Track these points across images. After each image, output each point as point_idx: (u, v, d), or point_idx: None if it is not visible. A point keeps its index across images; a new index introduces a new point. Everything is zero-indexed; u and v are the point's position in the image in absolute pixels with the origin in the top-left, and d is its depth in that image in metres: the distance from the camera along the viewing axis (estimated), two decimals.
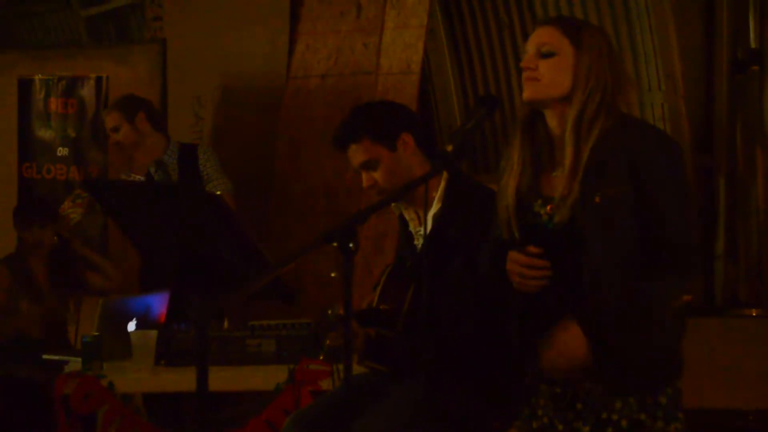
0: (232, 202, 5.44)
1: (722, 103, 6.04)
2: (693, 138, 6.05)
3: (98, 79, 6.34)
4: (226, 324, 4.47)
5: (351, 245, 2.50)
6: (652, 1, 5.92)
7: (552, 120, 2.88)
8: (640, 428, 2.81)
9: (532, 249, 2.84)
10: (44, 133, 6.39)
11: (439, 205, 3.51)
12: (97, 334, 4.41)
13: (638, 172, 2.78)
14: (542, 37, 2.87)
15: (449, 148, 2.86)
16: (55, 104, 6.39)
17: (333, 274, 2.70)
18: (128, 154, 5.63)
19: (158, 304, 4.85)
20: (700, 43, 6.08)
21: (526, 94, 2.86)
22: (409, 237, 3.67)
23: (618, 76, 2.86)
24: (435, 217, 3.51)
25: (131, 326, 4.55)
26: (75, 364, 4.44)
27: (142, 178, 5.53)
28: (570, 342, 2.79)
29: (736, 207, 6.06)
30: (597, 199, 2.77)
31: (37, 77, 6.43)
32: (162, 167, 5.62)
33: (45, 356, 4.97)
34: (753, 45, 5.91)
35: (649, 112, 6.04)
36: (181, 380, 4.24)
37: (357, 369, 3.55)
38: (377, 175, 3.60)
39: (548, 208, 2.88)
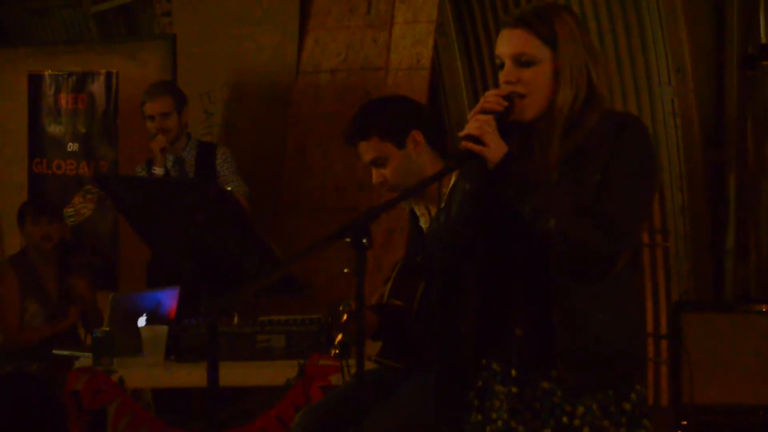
0: (247, 205, 5.42)
1: (732, 98, 6.01)
2: (703, 133, 6.02)
3: (108, 75, 6.34)
4: (236, 320, 4.47)
5: (365, 241, 2.49)
6: None
7: (540, 122, 2.74)
8: None
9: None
10: (54, 129, 6.40)
11: None
12: (107, 329, 4.41)
13: (611, 161, 2.67)
14: (517, 46, 2.71)
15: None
16: (65, 100, 6.38)
17: (345, 270, 2.69)
18: (162, 145, 5.55)
19: (168, 299, 4.85)
20: (710, 38, 6.05)
21: (518, 116, 2.69)
22: (419, 232, 3.66)
23: (594, 54, 2.73)
24: None
25: (141, 321, 4.55)
26: (86, 359, 4.45)
27: (162, 172, 5.51)
28: None
29: (746, 202, 6.04)
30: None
31: (47, 73, 6.43)
32: (180, 164, 5.61)
33: (55, 351, 4.98)
34: (763, 40, 5.88)
35: (659, 106, 6.02)
36: (191, 376, 4.25)
37: (367, 365, 3.55)
38: (386, 172, 3.58)
39: None
